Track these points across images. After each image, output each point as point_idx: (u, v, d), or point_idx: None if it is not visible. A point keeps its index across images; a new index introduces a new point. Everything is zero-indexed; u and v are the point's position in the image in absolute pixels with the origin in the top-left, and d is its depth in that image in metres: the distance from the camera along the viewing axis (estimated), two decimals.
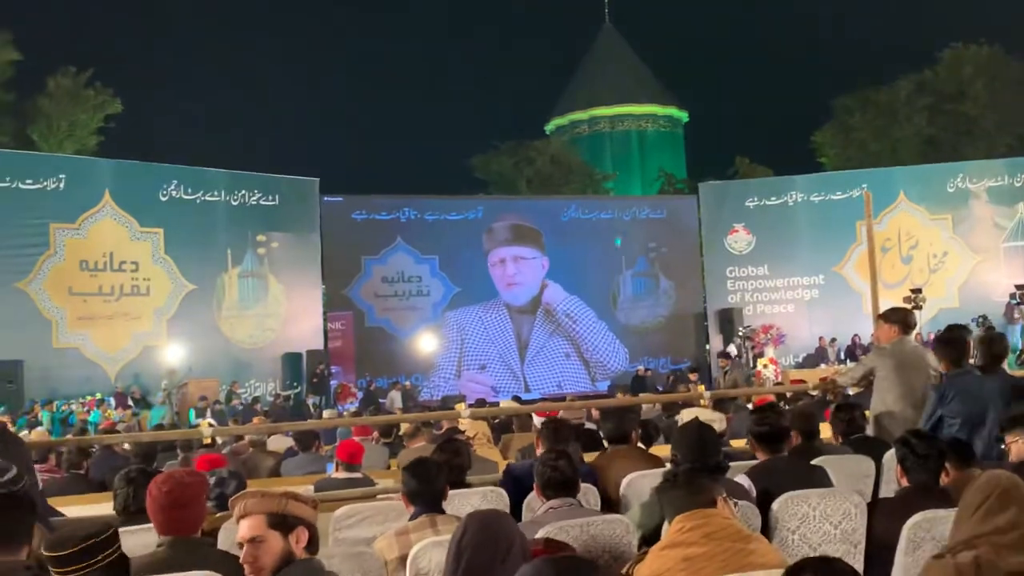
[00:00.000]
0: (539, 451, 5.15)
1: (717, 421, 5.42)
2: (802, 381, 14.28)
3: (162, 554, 3.18)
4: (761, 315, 24.72)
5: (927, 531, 3.53)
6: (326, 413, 12.89)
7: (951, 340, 5.62)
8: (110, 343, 20.37)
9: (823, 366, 20.83)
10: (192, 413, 18.44)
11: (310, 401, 21.17)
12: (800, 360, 23.66)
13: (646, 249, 25.93)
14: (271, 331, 22.60)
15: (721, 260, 25.43)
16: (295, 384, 22.19)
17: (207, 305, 21.56)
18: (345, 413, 19.05)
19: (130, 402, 19.42)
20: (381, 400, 20.81)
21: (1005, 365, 7.16)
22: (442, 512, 3.64)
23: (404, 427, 9.78)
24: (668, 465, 4.48)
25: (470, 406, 13.36)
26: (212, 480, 4.42)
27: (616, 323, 25.44)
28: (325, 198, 23.62)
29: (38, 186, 19.72)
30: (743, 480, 4.23)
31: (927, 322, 22.35)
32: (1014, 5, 37.67)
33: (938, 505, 3.62)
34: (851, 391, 8.23)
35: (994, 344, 5.62)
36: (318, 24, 65.96)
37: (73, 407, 18.44)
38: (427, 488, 3.66)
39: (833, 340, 23.32)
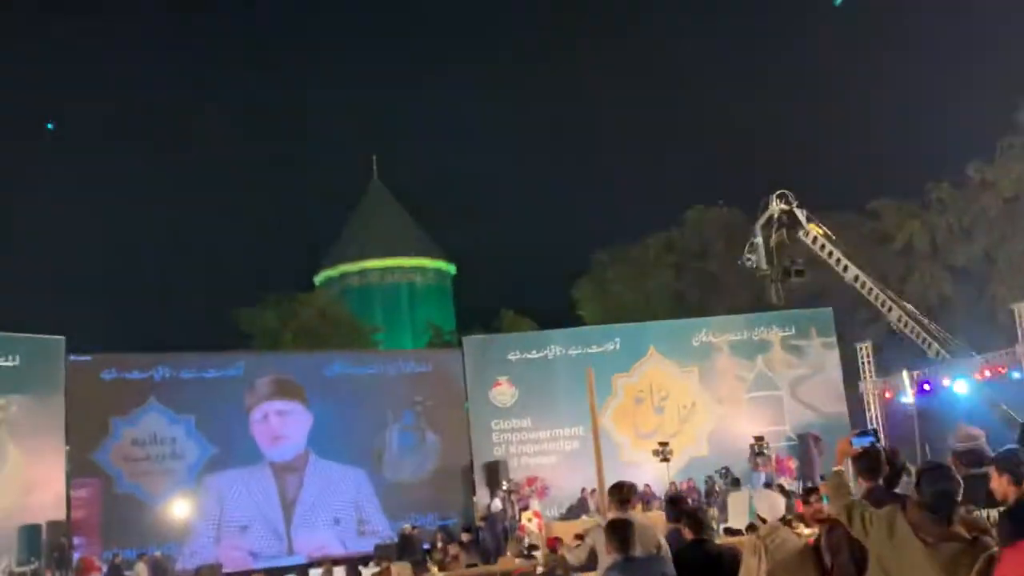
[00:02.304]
0: None
1: None
2: (558, 539, 14.55)
3: None
4: (526, 467, 25.08)
5: None
6: None
7: (615, 527, 5.69)
8: None
9: (584, 517, 21.27)
10: None
11: None
12: (564, 511, 24.02)
13: (412, 403, 25.91)
14: (7, 501, 20.79)
15: (486, 413, 25.77)
16: (32, 559, 20.39)
17: None
18: None
19: None
20: (127, 573, 19.45)
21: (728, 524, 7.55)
22: None
23: None
24: None
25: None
26: None
27: (382, 480, 25.06)
28: (71, 357, 22.37)
29: None
30: None
31: (679, 471, 23.41)
32: (750, 171, 41.49)
33: None
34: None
35: (697, 518, 5.93)
36: (68, 170, 63.38)
37: None
38: None
39: (593, 491, 23.84)
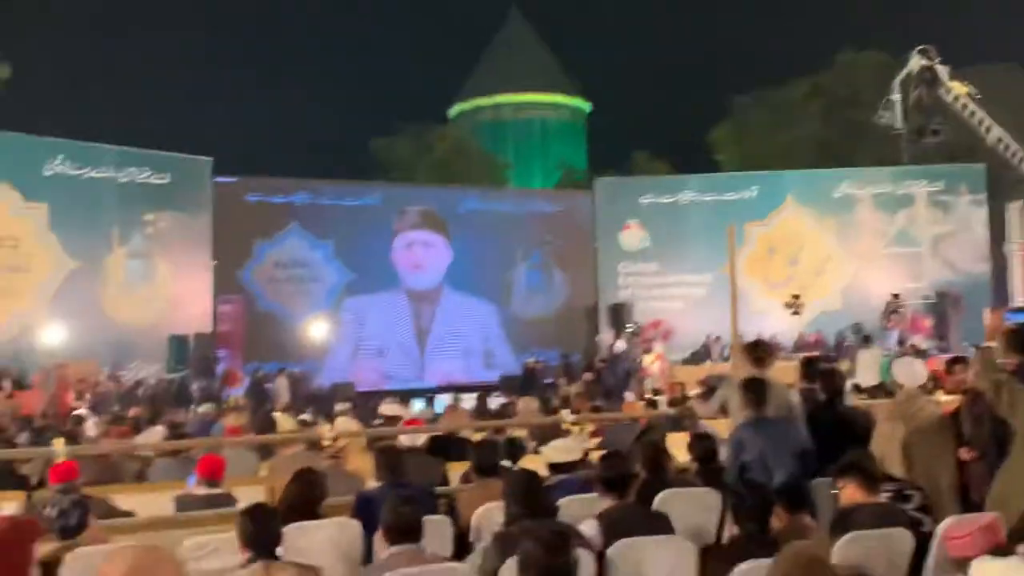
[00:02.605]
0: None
1: (575, 452, 5.55)
2: (681, 384, 14.73)
3: None
4: (651, 311, 25.15)
5: None
6: (202, 408, 12.73)
7: (750, 385, 5.70)
8: None
9: (708, 363, 21.39)
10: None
11: (195, 385, 20.78)
12: (687, 356, 24.14)
13: (541, 242, 26.18)
14: (158, 313, 22.11)
15: (614, 255, 25.84)
16: (180, 367, 21.75)
17: (91, 284, 20.98)
18: (230, 398, 18.83)
19: (5, 383, 18.76)
20: (268, 385, 20.59)
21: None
22: (276, 558, 3.66)
23: (281, 427, 9.74)
24: None
25: (354, 405, 13.35)
26: (55, 510, 4.37)
27: (509, 314, 25.65)
28: (218, 178, 23.18)
29: None
30: (590, 526, 4.34)
31: (809, 324, 23.18)
32: (907, 13, 38.98)
33: (763, 554, 3.79)
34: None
35: (833, 379, 5.88)
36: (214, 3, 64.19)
37: None
38: (262, 532, 3.67)
39: (718, 338, 23.84)
